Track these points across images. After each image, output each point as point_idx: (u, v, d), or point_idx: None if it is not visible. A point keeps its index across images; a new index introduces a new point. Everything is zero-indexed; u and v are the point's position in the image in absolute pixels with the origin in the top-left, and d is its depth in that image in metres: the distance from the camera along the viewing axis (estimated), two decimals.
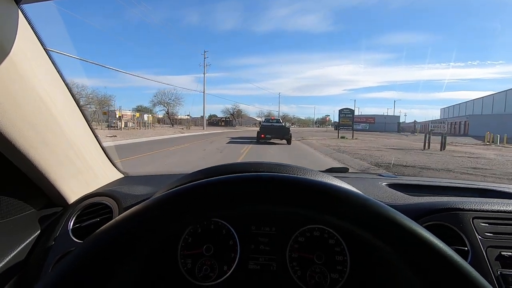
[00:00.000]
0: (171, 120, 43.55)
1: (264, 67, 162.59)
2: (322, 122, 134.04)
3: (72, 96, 0.73)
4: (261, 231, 0.71)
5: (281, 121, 20.83)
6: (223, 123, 61.06)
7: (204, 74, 34.61)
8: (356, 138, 20.26)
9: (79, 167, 0.76)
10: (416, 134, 33.86)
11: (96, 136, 0.85)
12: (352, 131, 21.27)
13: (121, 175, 1.02)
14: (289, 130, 14.00)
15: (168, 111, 42.66)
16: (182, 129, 31.54)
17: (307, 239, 0.69)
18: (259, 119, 79.67)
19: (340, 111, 21.65)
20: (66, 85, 0.70)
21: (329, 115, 67.74)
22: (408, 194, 0.79)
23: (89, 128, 0.81)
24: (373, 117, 56.19)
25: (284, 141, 13.92)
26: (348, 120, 21.43)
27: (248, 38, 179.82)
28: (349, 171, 1.23)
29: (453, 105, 58.65)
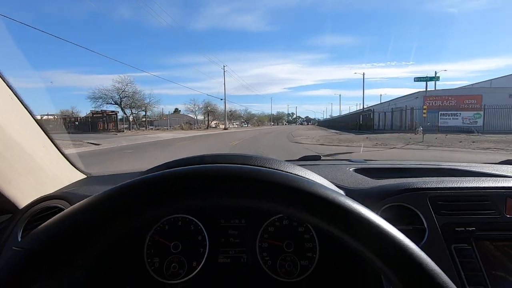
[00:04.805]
0: None
1: (204, 66, 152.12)
2: (277, 118, 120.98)
3: (16, 96, 0.67)
4: (230, 223, 0.70)
5: None
6: (101, 127, 25.55)
7: None
8: None
9: (29, 169, 0.71)
10: None
11: (49, 137, 0.80)
12: None
13: (83, 176, 0.94)
14: None
15: None
16: None
17: (276, 228, 0.70)
18: (194, 116, 46.55)
19: None
20: (6, 83, 0.64)
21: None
22: (373, 178, 0.79)
23: (38, 127, 0.76)
24: (477, 94, 20.29)
25: None
26: None
27: (186, 35, 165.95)
28: (322, 158, 1.23)
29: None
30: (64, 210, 0.31)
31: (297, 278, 0.66)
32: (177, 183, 0.31)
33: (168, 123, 34.36)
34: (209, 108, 41.28)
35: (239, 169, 0.32)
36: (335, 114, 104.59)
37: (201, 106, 42.18)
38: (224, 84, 41.95)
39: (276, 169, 0.47)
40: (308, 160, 1.17)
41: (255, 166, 0.47)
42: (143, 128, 30.23)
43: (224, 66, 42.78)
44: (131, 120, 29.20)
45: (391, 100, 28.08)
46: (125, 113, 28.75)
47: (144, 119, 33.26)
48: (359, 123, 27.83)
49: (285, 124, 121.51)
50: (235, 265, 0.68)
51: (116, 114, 28.49)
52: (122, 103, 28.22)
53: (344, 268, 0.65)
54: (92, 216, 0.29)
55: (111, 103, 28.08)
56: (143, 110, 30.67)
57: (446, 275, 0.56)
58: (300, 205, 0.30)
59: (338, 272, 0.67)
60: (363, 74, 38.17)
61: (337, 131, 24.33)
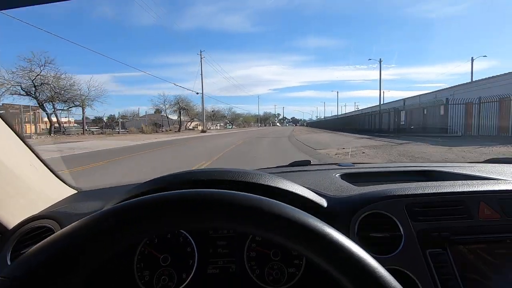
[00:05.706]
0: None
1: (189, 66, 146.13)
2: (265, 119, 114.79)
3: None
4: (219, 234, 0.72)
5: None
6: None
7: None
8: None
9: (17, 188, 0.71)
10: None
11: (35, 153, 0.79)
12: None
13: (73, 191, 0.93)
14: None
15: None
16: None
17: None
18: (165, 115, 36.89)
19: None
20: None
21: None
22: (356, 184, 0.81)
23: (24, 145, 0.75)
24: None
25: None
26: None
27: (171, 35, 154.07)
28: (311, 163, 1.23)
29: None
30: (51, 236, 0.32)
31: (284, 285, 0.67)
32: (164, 209, 0.32)
33: (120, 125, 24.78)
34: (181, 104, 31.82)
35: (231, 196, 0.33)
36: (326, 115, 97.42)
37: (173, 103, 32.68)
38: (202, 74, 32.84)
39: (255, 183, 0.59)
40: (298, 165, 1.19)
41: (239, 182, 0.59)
42: (77, 133, 20.48)
43: (201, 52, 33.59)
44: (53, 120, 19.32)
45: (429, 93, 19.69)
46: (44, 109, 18.89)
47: (115, 120, 23.52)
48: (398, 123, 19.40)
49: (277, 125, 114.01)
50: (224, 276, 0.69)
51: (35, 111, 18.73)
52: (39, 93, 18.38)
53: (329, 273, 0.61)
54: (78, 242, 0.30)
55: (19, 94, 18.17)
56: (77, 106, 20.90)
57: (421, 279, 0.57)
58: (256, 225, 0.32)
59: (326, 277, 0.66)
60: (380, 60, 30.04)
61: (369, 136, 15.91)
